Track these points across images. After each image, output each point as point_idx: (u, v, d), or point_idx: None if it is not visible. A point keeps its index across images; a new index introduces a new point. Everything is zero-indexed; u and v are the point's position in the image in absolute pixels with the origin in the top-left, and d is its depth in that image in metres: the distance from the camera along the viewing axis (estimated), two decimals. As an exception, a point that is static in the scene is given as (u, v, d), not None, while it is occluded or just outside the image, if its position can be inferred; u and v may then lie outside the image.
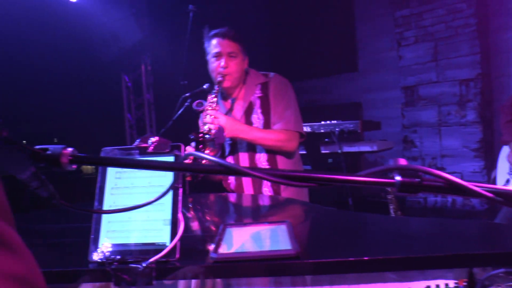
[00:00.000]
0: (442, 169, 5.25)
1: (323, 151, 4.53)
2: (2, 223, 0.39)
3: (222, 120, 2.33)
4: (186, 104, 3.42)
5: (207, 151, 2.23)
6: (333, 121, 4.26)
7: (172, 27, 5.44)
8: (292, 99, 2.57)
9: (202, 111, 2.44)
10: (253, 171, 0.59)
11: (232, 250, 1.11)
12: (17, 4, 4.35)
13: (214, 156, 2.19)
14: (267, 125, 2.52)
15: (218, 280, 1.18)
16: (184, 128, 3.79)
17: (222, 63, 2.46)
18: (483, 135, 4.97)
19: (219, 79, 2.45)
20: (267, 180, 0.59)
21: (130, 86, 6.37)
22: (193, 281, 1.18)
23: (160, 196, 0.89)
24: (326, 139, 4.69)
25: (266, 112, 2.53)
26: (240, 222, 1.42)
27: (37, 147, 0.64)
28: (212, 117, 2.32)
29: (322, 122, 4.27)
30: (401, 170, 0.59)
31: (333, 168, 4.68)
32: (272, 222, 1.37)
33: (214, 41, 2.52)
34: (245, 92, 2.60)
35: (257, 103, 2.55)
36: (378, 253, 1.12)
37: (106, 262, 1.10)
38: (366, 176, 0.61)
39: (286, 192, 2.54)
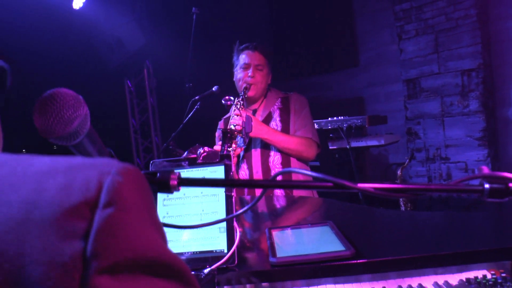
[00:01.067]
0: (446, 159, 5.31)
1: (330, 147, 4.57)
2: (175, 257, 0.43)
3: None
4: (196, 107, 3.46)
5: (233, 146, 2.33)
6: (340, 117, 4.30)
7: (175, 30, 5.47)
8: (310, 114, 2.71)
9: (230, 105, 2.59)
10: (359, 186, 0.63)
11: (288, 253, 1.15)
12: (22, 13, 4.36)
13: (240, 146, 2.25)
14: (283, 132, 2.60)
15: (266, 284, 1.22)
16: (194, 132, 3.83)
17: (250, 73, 2.61)
18: (486, 123, 5.03)
19: (245, 85, 2.59)
20: (373, 194, 0.63)
21: (133, 90, 6.39)
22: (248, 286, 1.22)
23: (234, 215, 0.92)
24: (331, 135, 4.74)
25: (284, 121, 2.64)
26: (283, 225, 1.46)
27: (144, 172, 0.68)
28: (239, 116, 2.41)
29: (329, 119, 4.31)
30: (488, 178, 0.63)
31: (341, 164, 4.73)
32: (314, 223, 1.42)
33: (244, 54, 2.67)
34: (266, 104, 2.73)
35: (277, 112, 2.67)
36: (426, 250, 1.17)
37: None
38: (455, 185, 0.66)
39: (297, 190, 2.59)
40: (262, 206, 2.30)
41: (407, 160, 3.93)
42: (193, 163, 1.28)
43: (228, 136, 2.33)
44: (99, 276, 0.35)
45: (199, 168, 1.27)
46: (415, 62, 5.43)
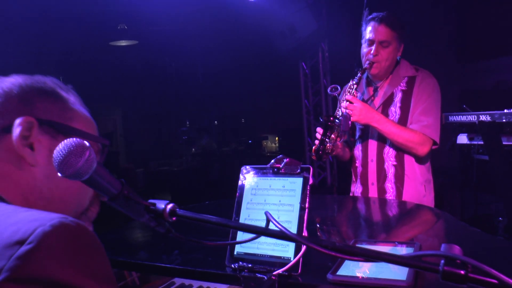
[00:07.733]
0: None
1: (505, 142, 4.06)
2: None
3: (357, 105, 2.34)
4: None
5: (333, 136, 2.33)
6: (517, 110, 3.78)
7: (348, 14, 5.46)
8: (435, 103, 2.45)
9: (337, 95, 2.50)
10: (301, 239, 0.67)
11: (348, 273, 1.18)
12: (205, 9, 4.87)
13: (339, 141, 2.27)
14: (401, 121, 2.45)
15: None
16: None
17: (373, 50, 2.42)
18: None
19: (366, 65, 2.44)
20: (313, 248, 0.66)
21: (308, 73, 6.59)
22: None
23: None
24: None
25: (404, 108, 2.46)
26: (371, 239, 1.46)
27: (150, 201, 0.83)
28: (347, 102, 2.36)
29: (505, 111, 3.83)
30: (451, 260, 0.60)
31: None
32: (401, 242, 1.39)
33: (370, 26, 2.45)
34: (390, 82, 2.54)
35: (399, 96, 2.49)
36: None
37: (239, 268, 1.28)
38: (412, 259, 0.63)
39: (407, 194, 2.46)
40: (368, 210, 2.26)
41: None
42: (276, 172, 1.38)
43: (329, 125, 2.33)
44: (5, 283, 0.58)
45: (281, 178, 1.36)
46: None
